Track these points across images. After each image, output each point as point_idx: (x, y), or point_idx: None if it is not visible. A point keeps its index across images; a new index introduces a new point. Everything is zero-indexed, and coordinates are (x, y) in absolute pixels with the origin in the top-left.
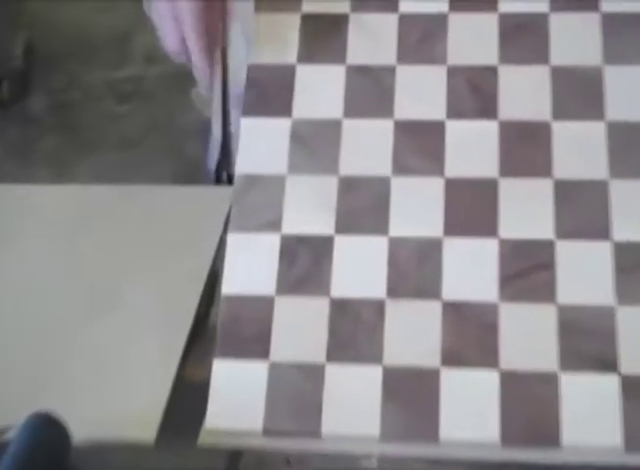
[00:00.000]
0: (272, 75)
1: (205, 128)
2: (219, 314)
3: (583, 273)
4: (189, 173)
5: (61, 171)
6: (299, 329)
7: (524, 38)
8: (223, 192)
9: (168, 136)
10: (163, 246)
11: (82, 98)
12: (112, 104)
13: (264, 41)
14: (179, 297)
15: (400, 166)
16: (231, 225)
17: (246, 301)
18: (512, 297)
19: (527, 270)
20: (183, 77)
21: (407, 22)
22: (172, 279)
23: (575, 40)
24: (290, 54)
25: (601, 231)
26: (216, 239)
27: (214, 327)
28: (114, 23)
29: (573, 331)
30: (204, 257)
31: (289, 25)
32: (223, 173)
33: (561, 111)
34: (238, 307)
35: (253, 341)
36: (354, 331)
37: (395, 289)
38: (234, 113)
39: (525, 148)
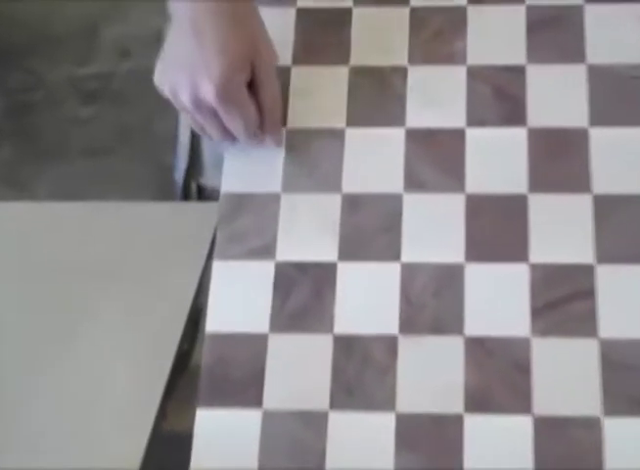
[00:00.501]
0: None
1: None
2: (203, 356)
3: (629, 302)
4: (169, 187)
5: (18, 185)
6: (297, 371)
7: (554, 33)
8: (208, 209)
9: (144, 144)
10: (140, 272)
11: (43, 99)
12: (77, 105)
13: None
14: (158, 332)
15: (414, 181)
16: (216, 252)
17: (234, 339)
18: (545, 331)
19: (563, 300)
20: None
21: (420, 15)
22: (149, 311)
23: (614, 35)
24: (283, 54)
25: None
26: (200, 265)
27: (198, 366)
28: (81, 12)
29: (618, 369)
30: (185, 285)
31: (282, 22)
32: (192, 184)
33: (599, 116)
34: (225, 347)
35: (243, 386)
36: (362, 373)
37: (409, 323)
38: None
39: (559, 159)
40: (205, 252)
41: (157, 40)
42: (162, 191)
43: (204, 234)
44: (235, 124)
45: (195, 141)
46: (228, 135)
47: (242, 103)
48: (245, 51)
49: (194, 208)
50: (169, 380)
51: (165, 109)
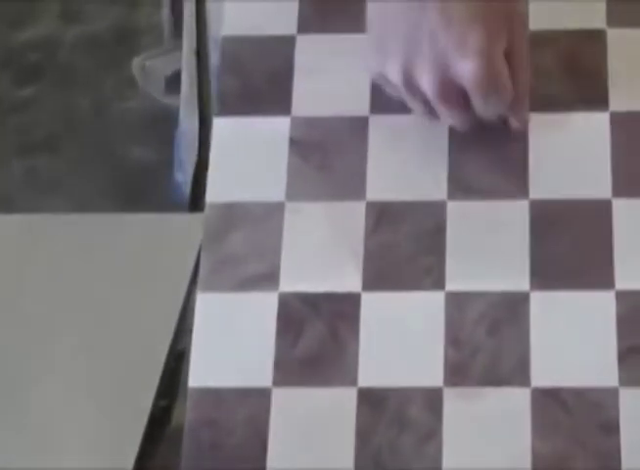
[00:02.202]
0: (260, 53)
1: (162, 119)
2: (186, 417)
3: None
4: (130, 190)
5: None
6: (311, 436)
7: None
8: (193, 222)
9: (97, 132)
10: (104, 307)
11: None
12: (11, 84)
13: (244, 2)
14: (128, 385)
15: (461, 185)
16: (201, 282)
17: (226, 396)
18: (638, 379)
19: None
20: (119, 41)
21: None
22: (117, 357)
23: None
24: (286, 20)
25: None
26: (181, 296)
27: (179, 430)
28: None
29: None
30: (162, 322)
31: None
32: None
33: None
34: (213, 406)
35: (239, 455)
36: (396, 438)
37: (458, 372)
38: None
39: None
40: (188, 279)
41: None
42: (121, 194)
43: (185, 256)
44: (494, 106)
45: (204, 128)
46: (472, 120)
47: (504, 80)
48: (500, 15)
49: (173, 220)
50: (143, 445)
51: (127, 85)
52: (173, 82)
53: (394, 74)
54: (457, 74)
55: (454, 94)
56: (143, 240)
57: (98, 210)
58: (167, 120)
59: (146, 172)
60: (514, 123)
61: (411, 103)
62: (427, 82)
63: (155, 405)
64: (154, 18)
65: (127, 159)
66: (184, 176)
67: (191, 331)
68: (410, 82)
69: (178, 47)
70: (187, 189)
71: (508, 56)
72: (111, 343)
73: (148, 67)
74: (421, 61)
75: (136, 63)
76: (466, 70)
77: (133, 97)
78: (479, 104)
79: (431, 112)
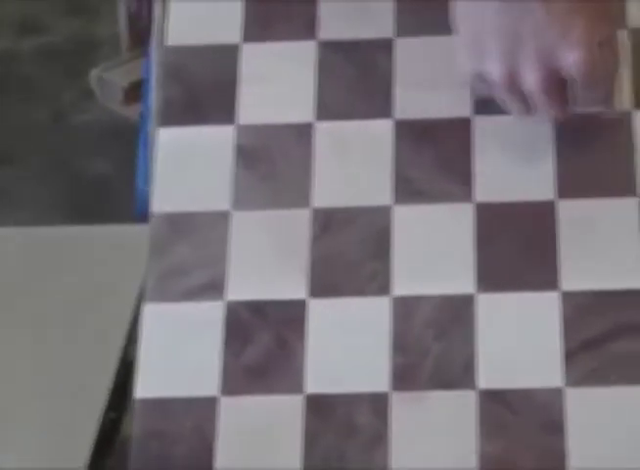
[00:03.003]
0: (204, 62)
1: (120, 131)
2: (132, 427)
3: None
4: (88, 202)
5: None
6: (258, 444)
7: None
8: (141, 233)
9: (54, 144)
10: (53, 316)
11: None
12: None
13: (188, 12)
14: (76, 396)
15: (406, 189)
16: (148, 292)
17: (172, 406)
18: (583, 379)
19: (606, 337)
20: (76, 53)
21: None
22: (65, 369)
23: None
24: (230, 28)
25: None
26: (130, 306)
27: (128, 441)
28: None
29: None
30: (112, 332)
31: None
32: None
33: None
34: (160, 417)
35: (187, 466)
36: (343, 444)
37: (405, 376)
38: None
39: (596, 151)
40: (137, 289)
41: (71, 11)
42: (78, 206)
43: (135, 266)
44: (599, 93)
45: None
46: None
47: (609, 68)
48: (599, 7)
49: (124, 231)
50: (93, 458)
51: (85, 97)
52: (131, 93)
53: (496, 73)
54: (562, 66)
55: (557, 87)
56: (93, 251)
57: (55, 222)
58: (125, 132)
59: (104, 184)
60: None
61: (510, 101)
62: (532, 78)
63: (104, 417)
64: (111, 29)
65: (85, 171)
66: (147, 185)
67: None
68: (512, 80)
69: (135, 58)
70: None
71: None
72: (60, 354)
73: (105, 78)
74: (525, 57)
75: (94, 74)
76: (573, 60)
77: (91, 109)
78: (584, 93)
79: (528, 109)
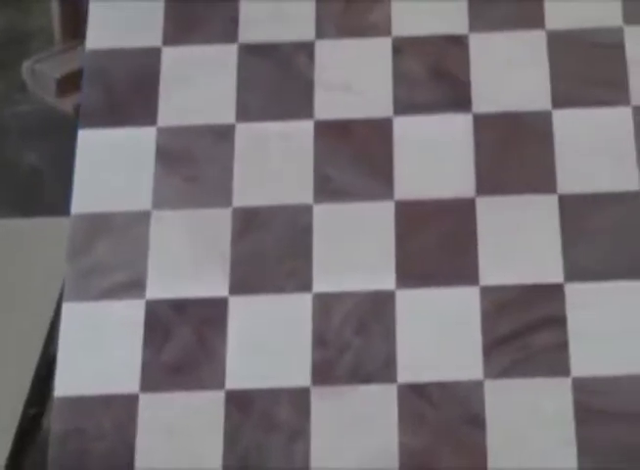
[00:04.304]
0: (125, 65)
1: (53, 123)
2: (52, 425)
3: (606, 329)
4: (21, 195)
5: None
6: (178, 440)
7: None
8: (65, 227)
9: None
10: None
11: None
12: None
13: (108, 13)
14: None
15: (326, 188)
16: (66, 291)
17: (92, 403)
18: (502, 371)
19: (523, 330)
20: (8, 45)
21: None
22: None
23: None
24: (150, 32)
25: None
26: (52, 301)
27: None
28: None
29: (595, 415)
30: (33, 328)
31: (147, 7)
32: None
33: (563, 95)
34: (79, 415)
35: (107, 463)
36: (264, 438)
37: (325, 371)
38: None
39: (514, 151)
40: (60, 284)
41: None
42: (18, 202)
43: (58, 261)
44: None
45: None
46: None
47: None
48: None
49: (48, 225)
50: (14, 453)
51: (17, 89)
52: (65, 85)
53: None
54: None
55: None
56: (17, 245)
57: None
58: (59, 124)
59: (38, 177)
60: None
61: None
62: None
63: (25, 413)
64: (43, 21)
65: (18, 163)
66: None
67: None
68: None
69: (69, 49)
70: None
71: None
72: None
73: (38, 70)
74: None
75: (26, 66)
76: None
77: (24, 101)
78: None
79: None
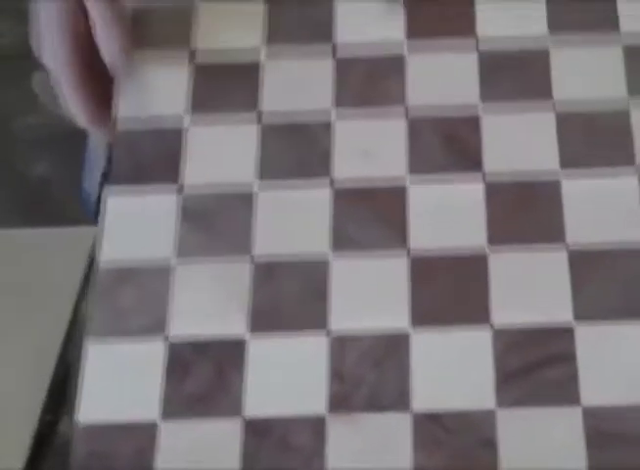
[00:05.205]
0: (152, 131)
1: (63, 134)
2: (73, 451)
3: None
4: (31, 206)
5: None
6: (197, 464)
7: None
8: (80, 235)
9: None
10: None
11: None
12: None
13: (137, 88)
14: (11, 400)
15: (343, 241)
16: (91, 331)
17: (113, 430)
18: (515, 401)
19: (536, 366)
20: (19, 57)
21: (346, 66)
22: (2, 370)
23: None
24: (175, 102)
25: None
26: (68, 308)
27: (67, 444)
28: None
29: (606, 440)
30: (49, 335)
31: (172, 78)
32: None
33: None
34: (101, 441)
35: None
36: (281, 463)
37: (341, 400)
38: None
39: (525, 211)
40: (75, 292)
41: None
42: (28, 213)
43: (74, 268)
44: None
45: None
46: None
47: None
48: None
49: (62, 233)
50: (30, 461)
51: (24, 101)
52: None
53: None
54: None
55: None
56: (32, 253)
57: None
58: (69, 135)
59: (47, 187)
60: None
61: None
62: None
63: (41, 419)
64: None
65: (28, 174)
66: (91, 187)
67: (78, 343)
68: None
69: None
70: (93, 202)
71: None
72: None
73: (47, 81)
74: None
75: (37, 77)
76: None
77: (32, 111)
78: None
79: None
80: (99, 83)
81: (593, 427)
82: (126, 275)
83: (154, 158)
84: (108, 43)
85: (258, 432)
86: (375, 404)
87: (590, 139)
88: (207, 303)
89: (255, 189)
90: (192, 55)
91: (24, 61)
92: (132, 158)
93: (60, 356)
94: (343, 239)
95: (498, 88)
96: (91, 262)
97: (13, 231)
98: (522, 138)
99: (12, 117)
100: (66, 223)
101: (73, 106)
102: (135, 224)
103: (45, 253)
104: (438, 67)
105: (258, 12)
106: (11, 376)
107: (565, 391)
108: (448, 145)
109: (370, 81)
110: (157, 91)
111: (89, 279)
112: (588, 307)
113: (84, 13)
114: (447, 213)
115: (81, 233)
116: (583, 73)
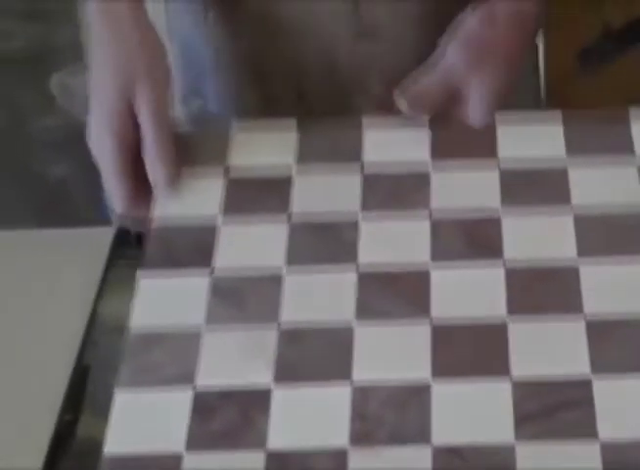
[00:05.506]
0: (185, 229)
1: (79, 136)
2: None
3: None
4: (48, 207)
5: None
6: None
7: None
8: (98, 235)
9: (15, 149)
10: (11, 318)
11: None
12: None
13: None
14: (31, 398)
15: (367, 311)
16: (120, 382)
17: (139, 461)
18: (533, 437)
19: (554, 409)
20: (37, 58)
21: (373, 181)
22: (20, 371)
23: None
24: (209, 206)
25: None
26: (87, 309)
27: (87, 442)
28: None
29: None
30: (68, 334)
31: (208, 187)
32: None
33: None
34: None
35: None
36: None
37: (363, 438)
38: None
39: (543, 287)
40: (94, 292)
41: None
42: (38, 210)
43: (92, 269)
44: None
45: None
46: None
47: None
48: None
49: (80, 234)
50: (48, 460)
51: (45, 103)
52: None
53: None
54: None
55: None
56: (49, 254)
57: (14, 227)
58: (82, 136)
59: (63, 188)
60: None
61: None
62: None
63: (60, 419)
64: (71, 35)
65: (45, 176)
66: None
67: (96, 342)
68: None
69: None
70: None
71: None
72: (15, 356)
73: (68, 84)
74: None
75: (55, 80)
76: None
77: (50, 112)
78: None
79: None
80: (138, 178)
81: (611, 461)
82: (156, 339)
83: (187, 249)
84: (153, 164)
85: (281, 462)
86: (396, 440)
87: (607, 235)
88: (234, 360)
89: (284, 272)
90: (226, 170)
91: (40, 63)
92: (166, 250)
93: (78, 357)
94: (368, 311)
95: (518, 197)
96: (108, 263)
97: (29, 232)
98: (541, 234)
99: (29, 119)
100: (82, 224)
101: (111, 192)
102: (167, 300)
103: (61, 253)
104: (462, 182)
105: (291, 138)
106: (29, 377)
107: (583, 428)
108: (469, 240)
109: (396, 192)
110: (192, 197)
111: (106, 279)
112: (606, 363)
113: (135, 122)
114: (468, 291)
115: (97, 234)
116: (600, 188)
